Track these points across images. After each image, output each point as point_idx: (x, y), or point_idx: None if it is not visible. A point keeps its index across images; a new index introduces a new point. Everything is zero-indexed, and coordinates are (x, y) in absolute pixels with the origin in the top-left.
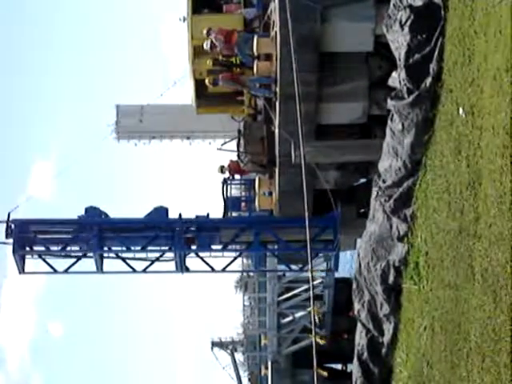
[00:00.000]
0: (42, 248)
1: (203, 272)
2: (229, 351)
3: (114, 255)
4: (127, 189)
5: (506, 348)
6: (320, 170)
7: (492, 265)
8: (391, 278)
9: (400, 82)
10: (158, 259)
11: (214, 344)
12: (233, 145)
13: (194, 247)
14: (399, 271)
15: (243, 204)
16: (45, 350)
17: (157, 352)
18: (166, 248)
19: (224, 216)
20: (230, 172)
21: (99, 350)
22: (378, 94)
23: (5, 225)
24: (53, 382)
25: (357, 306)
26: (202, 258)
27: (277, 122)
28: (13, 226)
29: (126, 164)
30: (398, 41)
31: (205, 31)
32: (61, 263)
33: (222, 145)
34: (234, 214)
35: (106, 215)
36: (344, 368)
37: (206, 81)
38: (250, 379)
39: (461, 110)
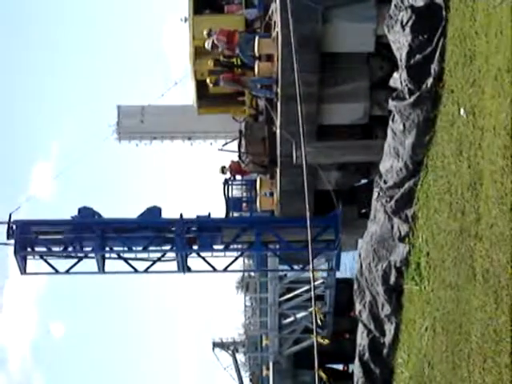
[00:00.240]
0: (44, 249)
1: (205, 272)
2: (230, 352)
3: (115, 255)
4: (128, 189)
5: (507, 349)
6: (321, 170)
7: (493, 265)
8: (392, 279)
9: (401, 82)
10: (159, 259)
11: (215, 345)
12: (234, 145)
13: (195, 247)
14: (400, 272)
15: (244, 204)
16: (46, 350)
17: (158, 352)
18: (168, 248)
19: (226, 216)
20: (231, 172)
21: (100, 350)
22: (380, 94)
23: (6, 226)
24: (54, 383)
25: (358, 306)
26: (203, 258)
27: (278, 123)
28: (14, 226)
29: (127, 164)
30: (400, 41)
31: (205, 32)
32: (62, 264)
33: (223, 145)
34: (236, 215)
35: (99, 215)
36: (345, 368)
37: (208, 80)
38: (251, 380)
39: (462, 111)
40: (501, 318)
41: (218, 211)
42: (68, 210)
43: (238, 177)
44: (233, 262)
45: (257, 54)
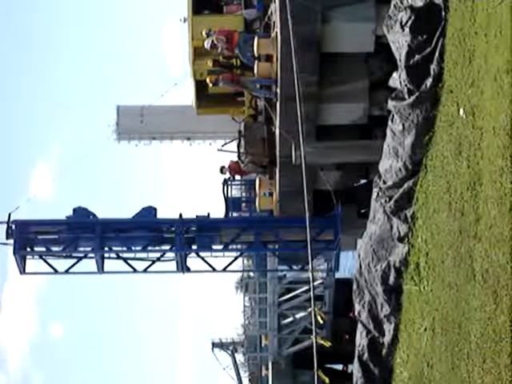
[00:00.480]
0: (43, 248)
1: (204, 272)
2: (229, 352)
3: (114, 255)
4: (128, 189)
5: (507, 349)
6: (320, 170)
7: (492, 265)
8: (392, 279)
9: (400, 82)
10: (158, 259)
11: (214, 345)
12: (233, 145)
13: (194, 247)
14: (400, 272)
15: (244, 204)
16: (45, 350)
17: (157, 352)
18: (167, 248)
19: (225, 216)
20: (230, 173)
21: (99, 350)
22: (379, 94)
23: (6, 226)
24: (53, 383)
25: (357, 306)
26: (202, 258)
27: (277, 123)
28: (13, 226)
29: (126, 165)
30: (399, 41)
31: (204, 32)
32: (62, 264)
33: (222, 145)
34: (235, 215)
35: (94, 216)
36: (345, 368)
37: (207, 80)
38: (250, 380)
39: (461, 111)
40: (500, 318)
41: (218, 211)
42: (67, 211)
43: (238, 177)
44: (232, 262)
45: (256, 55)
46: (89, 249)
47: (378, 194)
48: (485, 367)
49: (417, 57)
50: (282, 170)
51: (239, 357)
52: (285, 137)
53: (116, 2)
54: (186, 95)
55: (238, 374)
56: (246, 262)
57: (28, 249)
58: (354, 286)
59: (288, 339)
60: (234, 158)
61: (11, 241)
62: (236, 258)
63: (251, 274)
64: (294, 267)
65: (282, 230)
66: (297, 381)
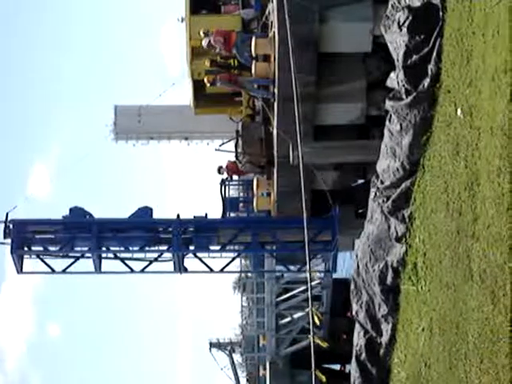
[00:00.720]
0: (40, 248)
1: (201, 272)
2: (227, 352)
3: (112, 255)
4: (125, 189)
5: (505, 349)
6: (318, 170)
7: (490, 265)
8: (389, 279)
9: (398, 82)
10: (156, 259)
11: (212, 345)
12: (231, 145)
13: (192, 248)
14: (397, 272)
15: (241, 205)
16: (43, 350)
17: (155, 352)
18: (165, 248)
19: (223, 217)
20: (228, 173)
21: (97, 350)
22: (376, 94)
23: (3, 225)
24: (51, 382)
25: (355, 306)
26: (200, 259)
27: (275, 123)
28: (11, 226)
29: (124, 165)
30: (396, 41)
31: (202, 32)
32: (59, 263)
33: (220, 145)
34: (232, 215)
35: (91, 215)
36: (342, 368)
37: (205, 79)
38: (248, 380)
39: (459, 111)
40: (498, 319)
41: (215, 211)
42: (64, 210)
43: (235, 177)
44: (229, 262)
45: (254, 54)
46: (86, 248)
47: (375, 194)
48: (482, 367)
49: (414, 57)
50: (279, 170)
51: (237, 357)
52: (282, 137)
53: (114, 2)
54: (183, 95)
55: (236, 374)
56: (243, 262)
57: (25, 248)
58: (352, 286)
59: (286, 339)
60: (232, 158)
61: (9, 240)
62: (233, 259)
63: (249, 274)
64: (292, 268)
65: (279, 231)
66: (294, 381)
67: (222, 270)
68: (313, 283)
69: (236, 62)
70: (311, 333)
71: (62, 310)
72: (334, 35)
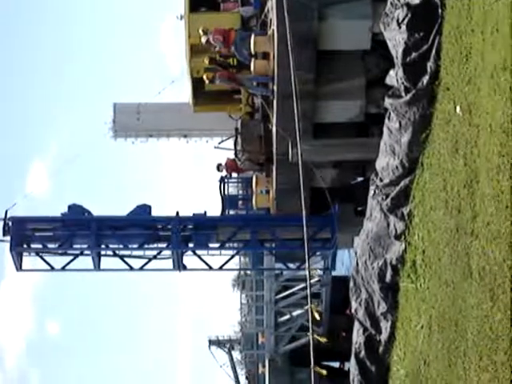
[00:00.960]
0: (40, 245)
1: (200, 270)
2: (226, 349)
3: (111, 253)
4: (124, 187)
5: (503, 346)
6: (317, 168)
7: (489, 263)
8: (388, 277)
9: (397, 80)
10: (155, 257)
11: (211, 342)
12: (230, 143)
13: (191, 245)
14: (396, 269)
15: (240, 202)
16: (42, 347)
17: (154, 350)
18: (164, 246)
19: (222, 214)
20: (227, 170)
21: (96, 347)
22: (376, 92)
23: (2, 222)
24: (50, 380)
25: (354, 304)
26: (199, 256)
27: (274, 121)
28: (10, 223)
29: (123, 162)
30: (396, 39)
31: (201, 31)
32: (58, 261)
33: (219, 143)
34: (231, 212)
35: (89, 213)
36: (341, 366)
37: (204, 76)
38: (247, 377)
39: (458, 109)
40: (497, 316)
41: (214, 209)
42: (63, 208)
43: (234, 174)
44: (229, 260)
45: (253, 52)
46: (85, 246)
47: (374, 191)
48: (481, 365)
49: (413, 54)
50: (278, 167)
51: (236, 354)
52: (281, 134)
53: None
54: (182, 93)
55: (235, 372)
56: (242, 259)
57: (25, 246)
58: (351, 284)
59: (285, 337)
60: (231, 155)
61: (8, 237)
62: (232, 257)
63: (248, 271)
64: (291, 265)
65: (278, 229)
66: (294, 378)
67: (221, 268)
68: (312, 281)
69: (235, 61)
70: (310, 330)
71: (61, 308)
72: (333, 33)
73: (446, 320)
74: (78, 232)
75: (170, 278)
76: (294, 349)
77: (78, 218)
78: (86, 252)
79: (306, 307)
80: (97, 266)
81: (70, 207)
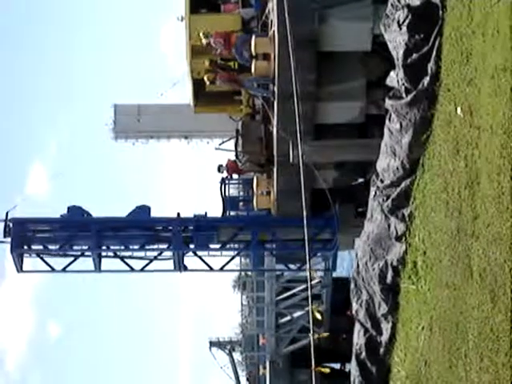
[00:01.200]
0: (40, 247)
1: (201, 271)
2: (227, 351)
3: (112, 254)
4: (125, 188)
5: (504, 347)
6: (318, 169)
7: (490, 264)
8: (389, 278)
9: (398, 81)
10: (156, 258)
11: (212, 344)
12: (231, 144)
13: (192, 246)
14: (397, 271)
15: (241, 203)
16: (43, 349)
17: (155, 351)
18: (165, 247)
19: (223, 215)
20: (228, 171)
21: (97, 348)
22: (376, 93)
23: (3, 223)
24: (51, 381)
25: (355, 305)
26: (200, 257)
27: (275, 122)
28: (11, 224)
29: (123, 163)
30: (396, 40)
31: (201, 35)
32: (59, 262)
33: (220, 144)
34: (232, 214)
35: (89, 214)
36: (342, 367)
37: (205, 77)
38: (248, 379)
39: (459, 110)
40: (497, 317)
41: (215, 210)
42: (64, 209)
43: (235, 176)
44: (229, 261)
45: (253, 53)
46: (86, 247)
47: (375, 192)
48: (482, 366)
49: (414, 55)
50: (279, 168)
51: (237, 356)
52: (282, 135)
53: (113, 1)
54: (183, 94)
55: (236, 373)
56: (243, 260)
57: (25, 247)
58: (352, 285)
59: (285, 338)
60: (232, 156)
61: (8, 239)
62: (233, 258)
63: (249, 272)
64: (292, 266)
65: (279, 230)
66: (294, 379)
67: (221, 269)
68: (313, 282)
69: (236, 64)
70: (311, 331)
71: (62, 309)
72: (333, 34)
73: (446, 321)
74: (79, 233)
75: (171, 279)
76: (294, 350)
77: (78, 219)
78: (86, 253)
79: (307, 308)
80: (98, 268)
81: (69, 209)
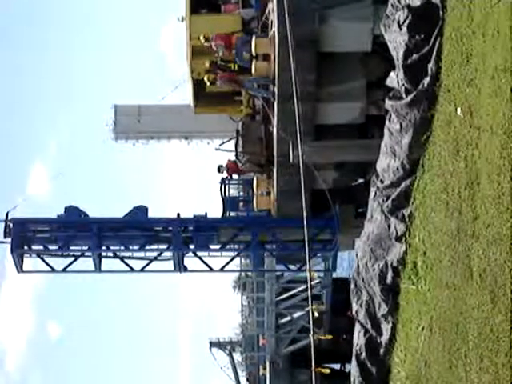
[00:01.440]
0: (41, 247)
1: (201, 271)
2: (227, 351)
3: (112, 254)
4: (125, 188)
5: (504, 348)
6: (318, 170)
7: (490, 265)
8: (389, 278)
9: (398, 81)
10: (156, 258)
11: (212, 344)
12: (231, 145)
13: (192, 247)
14: (397, 271)
15: (241, 204)
16: (43, 349)
17: (155, 351)
18: (164, 247)
19: (223, 216)
20: (228, 172)
21: (97, 349)
22: (376, 94)
23: (3, 224)
24: (52, 382)
25: (355, 306)
26: (200, 258)
27: (275, 122)
28: (11, 224)
29: (123, 164)
30: (396, 41)
31: (202, 38)
32: (59, 262)
33: (220, 145)
34: (232, 214)
35: (86, 215)
36: (342, 368)
37: (205, 78)
38: (248, 379)
39: (459, 110)
40: (497, 318)
41: (215, 210)
42: (62, 210)
43: (235, 176)
44: (229, 261)
45: (254, 54)
46: (86, 247)
47: (375, 193)
48: (482, 366)
49: (414, 56)
50: (279, 169)
51: (237, 356)
52: (282, 136)
53: (115, 1)
54: (183, 94)
55: (236, 374)
56: (243, 261)
57: (25, 247)
58: (352, 286)
59: (285, 338)
60: (232, 157)
61: (9, 239)
62: (233, 258)
63: (249, 273)
64: (292, 267)
65: (279, 230)
66: (294, 380)
67: (221, 269)
68: (313, 282)
69: (236, 66)
70: (311, 332)
71: (62, 309)
72: (333, 35)
73: (446, 322)
74: (79, 234)
75: (171, 280)
76: (294, 350)
77: (79, 219)
78: (86, 253)
79: (307, 309)
80: (98, 268)
81: (66, 209)
